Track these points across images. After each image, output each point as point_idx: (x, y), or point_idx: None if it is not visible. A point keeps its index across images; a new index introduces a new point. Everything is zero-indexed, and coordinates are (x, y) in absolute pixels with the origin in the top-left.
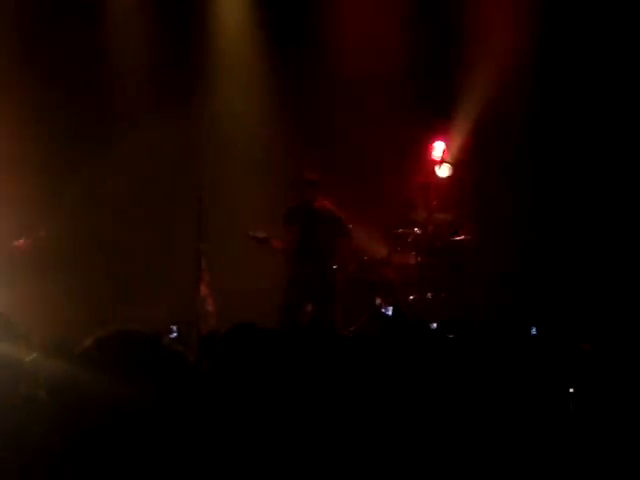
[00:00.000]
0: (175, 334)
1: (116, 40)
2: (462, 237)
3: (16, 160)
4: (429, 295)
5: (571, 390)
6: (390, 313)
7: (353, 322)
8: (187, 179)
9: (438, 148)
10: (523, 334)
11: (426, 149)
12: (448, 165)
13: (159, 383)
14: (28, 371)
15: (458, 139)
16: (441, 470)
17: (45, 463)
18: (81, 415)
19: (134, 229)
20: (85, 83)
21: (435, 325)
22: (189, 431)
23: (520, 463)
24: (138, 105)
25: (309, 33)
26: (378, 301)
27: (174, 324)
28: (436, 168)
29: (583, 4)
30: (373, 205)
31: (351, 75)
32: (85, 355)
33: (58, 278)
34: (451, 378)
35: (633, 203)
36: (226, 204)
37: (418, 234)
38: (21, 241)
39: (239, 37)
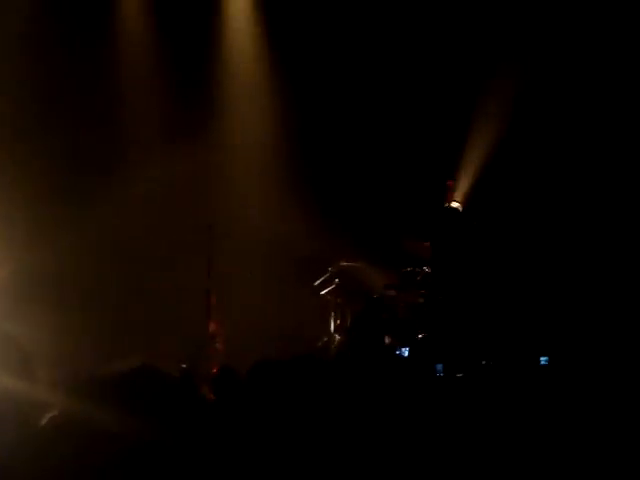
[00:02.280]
0: (184, 372)
1: (124, 65)
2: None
3: (22, 190)
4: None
5: None
6: (406, 354)
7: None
8: (198, 211)
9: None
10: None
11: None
12: (457, 204)
13: (180, 420)
14: (33, 403)
15: (466, 179)
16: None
17: None
18: (94, 450)
19: (143, 264)
20: (92, 111)
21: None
22: (213, 468)
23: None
24: (147, 134)
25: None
26: (387, 340)
27: (183, 362)
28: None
29: None
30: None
31: None
32: (97, 390)
33: (65, 312)
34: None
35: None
36: (237, 239)
37: (427, 272)
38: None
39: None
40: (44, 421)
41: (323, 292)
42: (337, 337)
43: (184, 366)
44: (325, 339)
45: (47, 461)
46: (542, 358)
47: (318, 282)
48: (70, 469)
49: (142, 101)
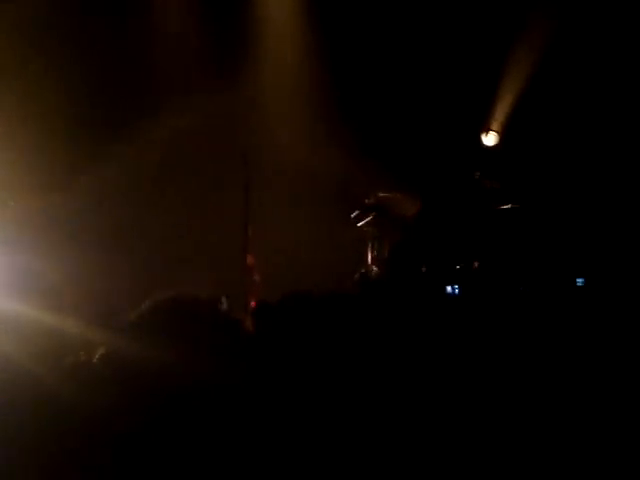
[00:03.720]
0: (225, 305)
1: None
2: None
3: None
4: (476, 265)
5: None
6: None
7: None
8: (232, 147)
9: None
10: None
11: None
12: (494, 133)
13: (218, 348)
14: (76, 341)
15: (502, 108)
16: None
17: (106, 433)
18: (139, 382)
19: (180, 200)
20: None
21: None
22: (248, 395)
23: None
24: (179, 71)
25: None
26: (424, 269)
27: (223, 295)
28: (482, 137)
29: None
30: None
31: None
32: (140, 322)
33: (103, 253)
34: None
35: None
36: (272, 171)
37: None
38: None
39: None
40: (95, 358)
41: (360, 224)
42: (374, 269)
43: (223, 299)
44: (362, 271)
45: (97, 395)
46: (578, 280)
47: (355, 214)
48: (117, 404)
49: (174, 40)
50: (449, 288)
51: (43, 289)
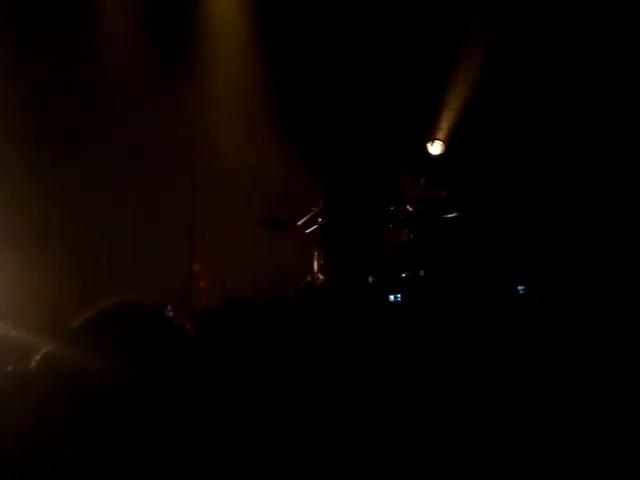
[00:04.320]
0: (170, 312)
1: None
2: (455, 214)
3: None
4: (421, 273)
5: None
6: (397, 300)
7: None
8: (180, 151)
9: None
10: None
11: None
12: (440, 142)
13: (161, 355)
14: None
15: (449, 116)
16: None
17: (41, 440)
18: (77, 390)
19: (126, 206)
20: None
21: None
22: (191, 403)
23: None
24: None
25: None
26: (370, 279)
27: (168, 302)
28: (428, 146)
29: None
30: None
31: None
32: (82, 329)
33: (46, 257)
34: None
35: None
36: (219, 178)
37: (410, 211)
38: None
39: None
40: (32, 363)
41: (308, 230)
42: (320, 277)
43: (169, 306)
44: (308, 279)
45: (32, 402)
46: (519, 287)
47: (301, 221)
48: (55, 410)
49: (119, 41)
50: (392, 297)
51: None
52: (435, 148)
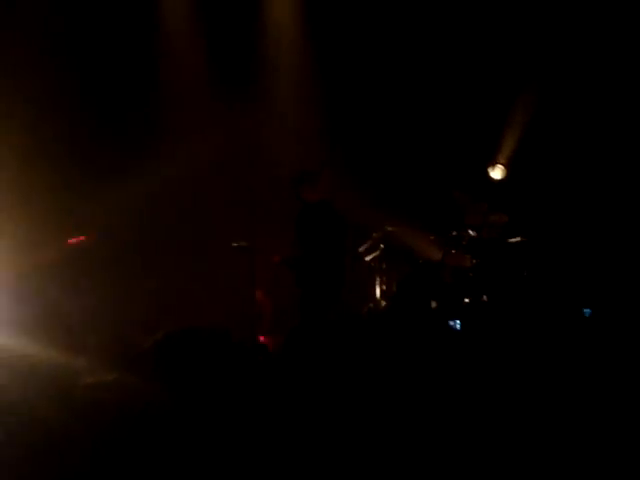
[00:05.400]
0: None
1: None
2: (517, 239)
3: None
4: (484, 298)
5: None
6: (458, 327)
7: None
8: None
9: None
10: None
11: None
12: (501, 167)
13: (230, 378)
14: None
15: (509, 141)
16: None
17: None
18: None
19: (192, 231)
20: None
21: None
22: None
23: None
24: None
25: None
26: (434, 305)
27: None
28: (489, 170)
29: None
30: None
31: None
32: (150, 353)
33: (111, 280)
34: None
35: None
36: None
37: (473, 236)
38: (75, 238)
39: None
40: (78, 390)
41: (368, 258)
42: (383, 303)
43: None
44: (371, 305)
45: (77, 423)
46: (585, 310)
47: (363, 248)
48: (93, 434)
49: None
50: (451, 322)
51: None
52: (496, 173)
